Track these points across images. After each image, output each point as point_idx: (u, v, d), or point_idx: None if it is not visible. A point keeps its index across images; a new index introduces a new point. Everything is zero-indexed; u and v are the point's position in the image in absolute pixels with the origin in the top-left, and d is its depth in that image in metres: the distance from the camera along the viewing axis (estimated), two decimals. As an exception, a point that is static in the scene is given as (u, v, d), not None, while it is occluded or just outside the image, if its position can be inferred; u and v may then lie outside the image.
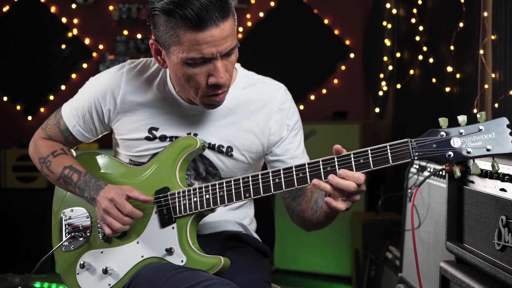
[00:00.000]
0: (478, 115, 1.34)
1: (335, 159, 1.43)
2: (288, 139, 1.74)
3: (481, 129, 1.32)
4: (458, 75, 3.20)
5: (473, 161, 1.38)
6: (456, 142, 1.34)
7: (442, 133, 1.35)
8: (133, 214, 1.59)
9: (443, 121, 1.36)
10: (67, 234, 1.75)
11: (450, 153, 1.34)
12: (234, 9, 1.52)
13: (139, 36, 5.18)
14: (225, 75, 1.53)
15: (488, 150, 1.32)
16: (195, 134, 1.69)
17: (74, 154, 1.84)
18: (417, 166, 2.57)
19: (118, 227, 1.59)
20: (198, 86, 1.55)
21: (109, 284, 1.64)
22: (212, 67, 1.51)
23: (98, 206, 1.63)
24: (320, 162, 1.45)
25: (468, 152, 1.33)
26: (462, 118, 1.35)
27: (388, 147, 1.38)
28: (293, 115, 1.75)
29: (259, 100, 1.72)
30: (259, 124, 1.71)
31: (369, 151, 1.40)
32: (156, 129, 1.71)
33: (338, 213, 1.56)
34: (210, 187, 1.57)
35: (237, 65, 1.75)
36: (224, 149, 1.70)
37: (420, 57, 3.82)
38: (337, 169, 1.43)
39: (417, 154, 1.36)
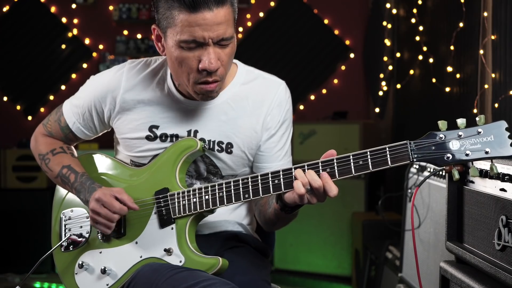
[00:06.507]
0: (477, 118, 1.33)
1: (334, 161, 1.43)
2: (276, 136, 1.74)
3: (480, 132, 1.32)
4: (458, 75, 3.20)
5: (472, 163, 1.38)
6: (454, 145, 1.34)
7: (441, 135, 1.35)
8: (122, 211, 1.61)
9: (442, 124, 1.36)
10: (66, 234, 1.75)
11: (449, 155, 1.34)
12: (235, 2, 1.54)
13: (139, 36, 5.18)
14: (216, 62, 1.54)
15: (486, 152, 1.31)
16: (196, 131, 1.69)
17: (75, 152, 1.85)
18: (417, 166, 2.57)
19: (110, 225, 1.61)
20: (190, 71, 1.55)
21: (107, 284, 1.65)
22: (204, 52, 1.52)
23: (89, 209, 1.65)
24: (320, 164, 1.45)
25: (467, 155, 1.33)
26: (461, 121, 1.34)
27: (387, 149, 1.38)
28: (288, 112, 1.76)
29: (259, 95, 1.72)
30: (259, 120, 1.71)
31: (368, 153, 1.40)
32: (157, 127, 1.71)
33: (289, 217, 1.61)
34: (209, 188, 1.57)
35: (238, 62, 1.76)
36: (223, 146, 1.70)
37: (420, 57, 3.82)
38: (336, 171, 1.43)
39: (416, 156, 1.36)
